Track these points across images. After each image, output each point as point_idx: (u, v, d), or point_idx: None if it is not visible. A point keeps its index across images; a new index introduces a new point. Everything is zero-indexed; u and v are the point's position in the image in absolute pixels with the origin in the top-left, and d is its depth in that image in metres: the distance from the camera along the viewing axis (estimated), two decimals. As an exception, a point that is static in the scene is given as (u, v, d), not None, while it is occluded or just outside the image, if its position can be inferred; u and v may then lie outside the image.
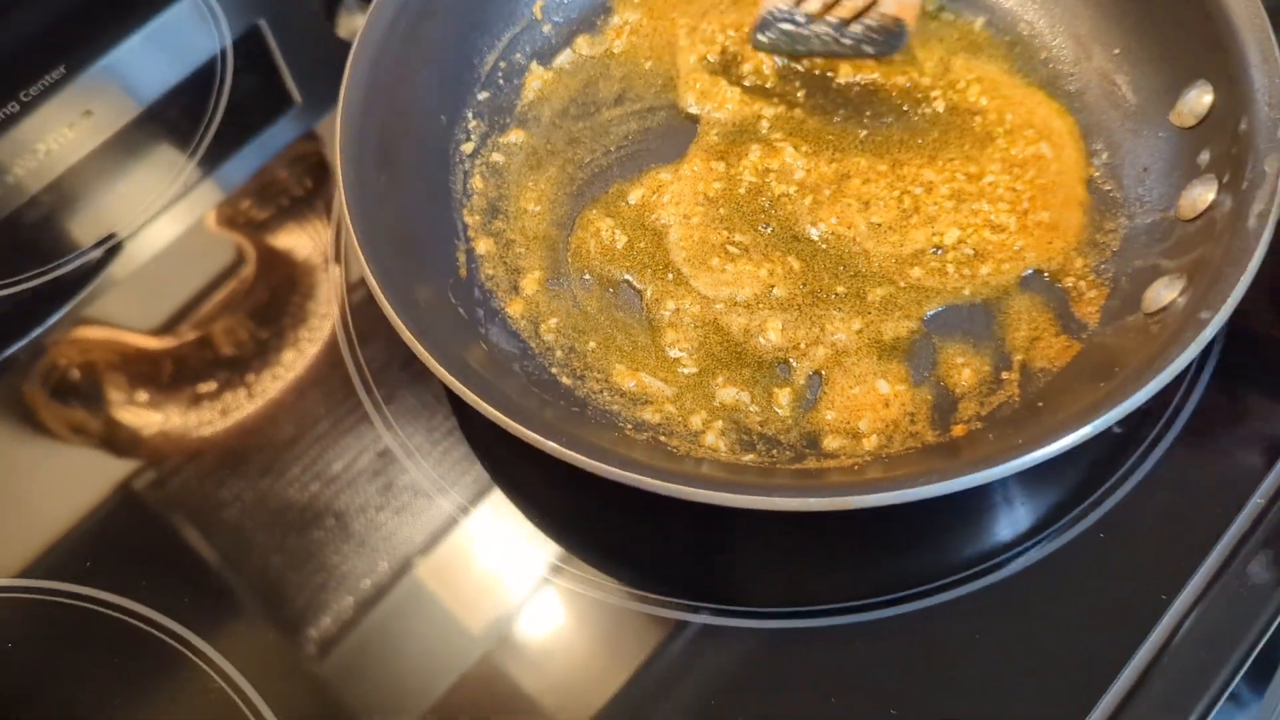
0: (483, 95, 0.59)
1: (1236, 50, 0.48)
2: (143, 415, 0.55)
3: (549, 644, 0.48)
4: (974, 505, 0.49)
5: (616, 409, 0.51)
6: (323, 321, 0.56)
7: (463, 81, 0.59)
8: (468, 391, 0.43)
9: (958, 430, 0.48)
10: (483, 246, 0.55)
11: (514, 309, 0.54)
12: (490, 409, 0.43)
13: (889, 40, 0.58)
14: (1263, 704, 0.45)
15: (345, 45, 0.53)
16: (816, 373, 0.51)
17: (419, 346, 0.45)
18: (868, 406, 0.50)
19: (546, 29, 0.61)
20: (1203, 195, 0.49)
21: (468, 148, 0.58)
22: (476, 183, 0.57)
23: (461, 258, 0.54)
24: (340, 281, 0.57)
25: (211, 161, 0.60)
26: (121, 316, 0.58)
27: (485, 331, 0.52)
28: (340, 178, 0.48)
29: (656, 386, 0.51)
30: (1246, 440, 0.49)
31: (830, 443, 0.49)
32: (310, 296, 0.56)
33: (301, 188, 0.60)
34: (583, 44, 0.61)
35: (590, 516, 0.51)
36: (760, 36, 0.59)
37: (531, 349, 0.52)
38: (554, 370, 0.52)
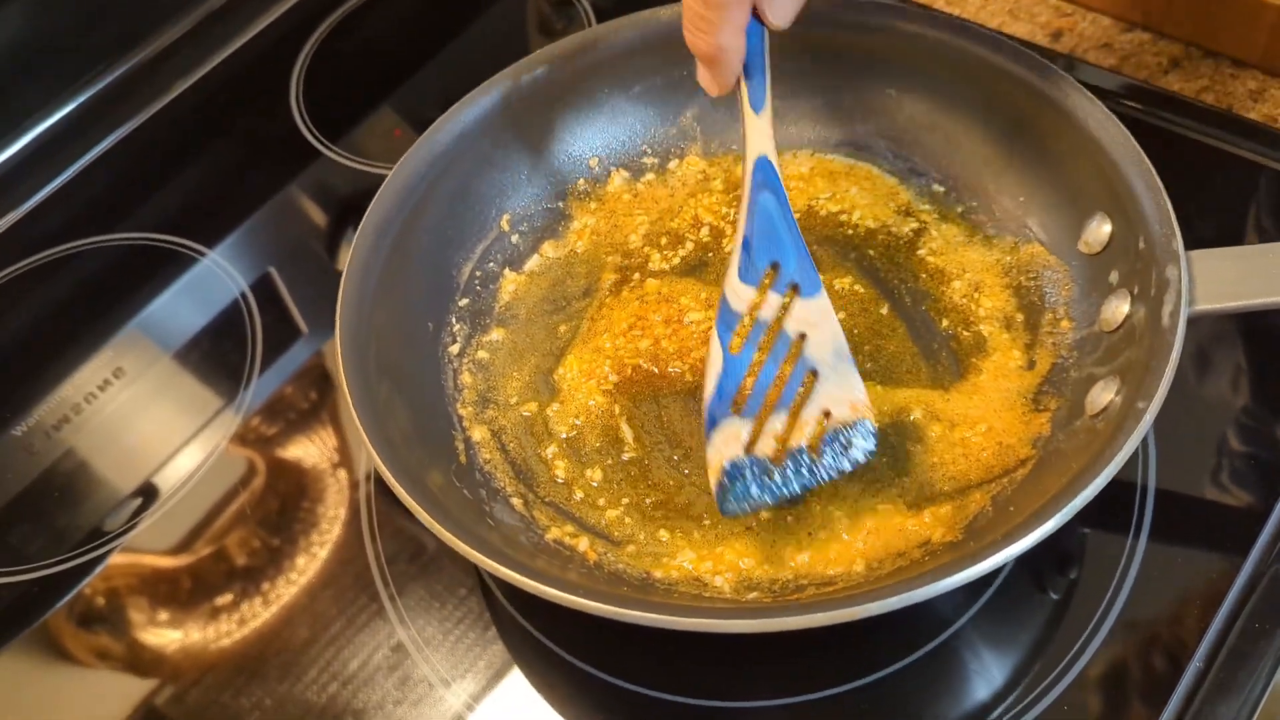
0: (463, 302, 0.64)
1: (1123, 183, 0.55)
2: (164, 634, 0.57)
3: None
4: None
5: (621, 567, 0.53)
6: (332, 524, 0.59)
7: (443, 292, 0.64)
8: (489, 561, 0.46)
9: (936, 538, 0.52)
10: (478, 434, 0.59)
11: (513, 488, 0.57)
12: (513, 574, 0.46)
13: (861, 447, 0.51)
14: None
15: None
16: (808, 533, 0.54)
17: (442, 530, 0.48)
18: (860, 543, 0.53)
19: (514, 239, 0.67)
20: (1119, 308, 0.55)
21: (454, 349, 0.62)
22: (465, 378, 0.61)
23: (460, 446, 0.58)
24: (347, 483, 0.61)
25: (249, 397, 0.66)
26: (147, 543, 0.61)
27: (489, 509, 0.55)
28: (348, 393, 0.53)
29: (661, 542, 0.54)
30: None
31: (828, 572, 0.52)
32: (320, 501, 0.60)
33: (307, 401, 0.65)
34: (548, 248, 0.68)
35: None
36: (729, 505, 0.51)
37: (536, 523, 0.56)
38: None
